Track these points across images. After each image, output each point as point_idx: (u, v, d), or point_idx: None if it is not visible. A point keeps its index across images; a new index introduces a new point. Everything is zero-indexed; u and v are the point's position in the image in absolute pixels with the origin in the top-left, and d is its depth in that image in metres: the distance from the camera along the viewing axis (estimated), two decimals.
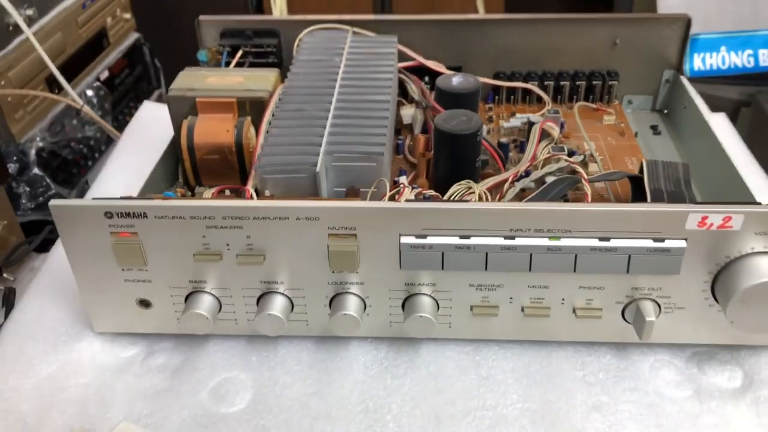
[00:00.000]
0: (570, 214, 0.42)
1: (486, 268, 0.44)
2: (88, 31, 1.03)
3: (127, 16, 1.17)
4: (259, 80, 0.58)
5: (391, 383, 0.46)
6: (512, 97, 0.69)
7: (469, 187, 0.50)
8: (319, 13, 0.67)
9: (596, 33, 0.67)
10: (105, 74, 1.09)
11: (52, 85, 0.91)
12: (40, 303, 0.52)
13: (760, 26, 1.44)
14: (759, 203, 0.42)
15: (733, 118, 1.58)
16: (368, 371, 0.47)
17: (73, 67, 0.98)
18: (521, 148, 0.62)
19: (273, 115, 0.54)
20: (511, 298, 0.46)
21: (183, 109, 0.56)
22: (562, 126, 0.64)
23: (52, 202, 0.43)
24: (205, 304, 0.46)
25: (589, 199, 0.48)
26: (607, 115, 0.66)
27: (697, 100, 0.65)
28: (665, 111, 0.70)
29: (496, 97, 0.70)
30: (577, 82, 0.68)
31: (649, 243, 0.42)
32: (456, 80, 0.60)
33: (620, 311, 0.46)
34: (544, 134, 0.60)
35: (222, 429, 0.43)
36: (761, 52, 1.45)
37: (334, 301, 0.46)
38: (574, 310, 0.46)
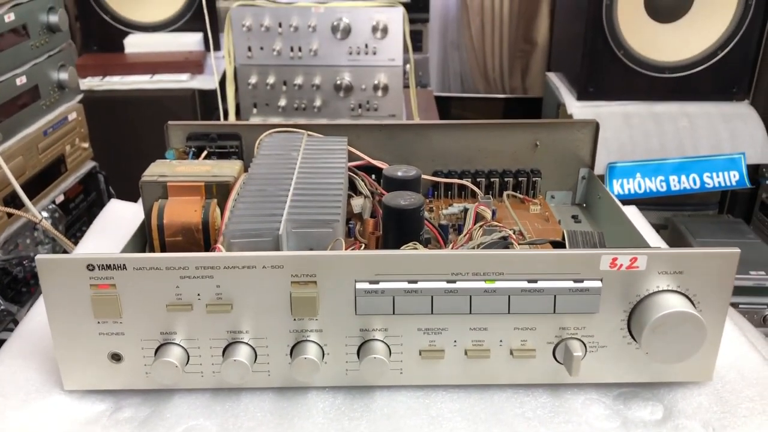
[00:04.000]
0: (502, 258, 0.48)
1: (432, 311, 0.49)
2: (47, 156, 1.10)
3: (85, 145, 1.25)
4: (224, 168, 0.65)
5: (348, 425, 0.49)
6: (449, 192, 0.78)
7: (416, 247, 0.56)
8: None
9: (519, 136, 0.77)
10: (61, 198, 1.15)
11: (10, 204, 0.96)
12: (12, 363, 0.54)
13: (667, 155, 1.61)
14: (659, 248, 0.49)
15: None
16: (327, 415, 0.50)
17: (32, 189, 1.04)
18: (459, 230, 0.69)
19: (238, 194, 0.61)
20: (455, 341, 0.51)
21: (154, 194, 0.62)
22: (493, 213, 0.72)
23: (39, 257, 0.47)
24: (174, 353, 0.49)
25: None
26: (533, 205, 0.75)
27: (611, 193, 0.74)
28: (584, 204, 0.79)
29: (435, 192, 0.78)
30: (506, 179, 0.77)
31: (570, 284, 0.49)
32: (400, 170, 0.68)
33: (551, 351, 0.51)
34: (479, 216, 0.68)
35: None
36: (671, 178, 1.60)
37: (295, 348, 0.50)
38: (511, 352, 0.51)
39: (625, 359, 0.51)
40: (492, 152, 0.78)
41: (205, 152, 0.74)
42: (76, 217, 1.20)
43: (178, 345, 0.50)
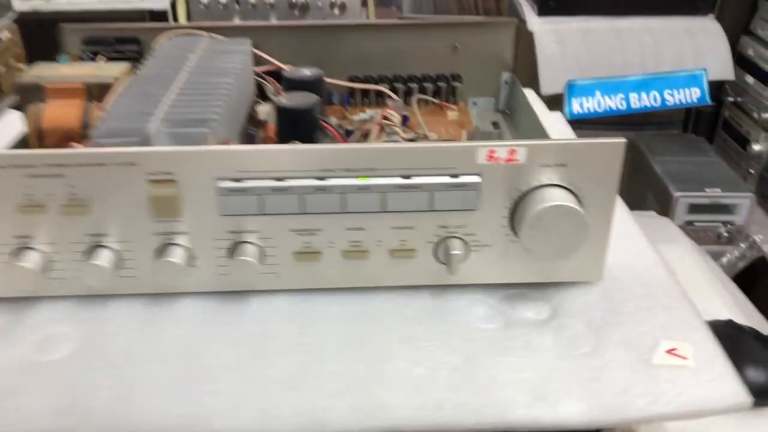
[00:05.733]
0: (373, 152, 0.45)
1: (302, 211, 0.46)
2: None
3: (22, 65, 1.19)
4: (109, 69, 0.61)
5: (218, 329, 0.47)
6: (366, 98, 0.74)
7: None
8: None
9: (438, 39, 0.73)
10: None
11: None
12: None
13: (629, 72, 1.56)
14: (543, 140, 0.46)
15: None
16: (196, 320, 0.48)
17: None
18: (367, 137, 0.66)
19: (118, 95, 0.57)
20: (330, 242, 0.48)
21: (33, 97, 0.58)
22: (406, 119, 0.69)
23: None
24: (31, 258, 0.47)
25: None
26: (450, 111, 0.72)
27: (531, 98, 0.71)
28: (507, 111, 0.76)
29: (352, 99, 0.74)
30: (425, 84, 0.74)
31: (447, 179, 0.46)
32: (301, 71, 0.64)
33: (432, 251, 0.49)
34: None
35: (46, 374, 0.43)
36: (631, 95, 1.56)
37: (161, 252, 0.48)
38: (390, 252, 0.49)
39: (511, 259, 0.49)
40: (410, 56, 0.74)
41: (103, 58, 0.70)
42: None
43: (35, 249, 0.47)
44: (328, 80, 0.73)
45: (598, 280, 0.51)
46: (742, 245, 1.31)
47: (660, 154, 1.52)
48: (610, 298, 0.49)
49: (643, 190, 1.51)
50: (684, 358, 0.45)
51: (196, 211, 0.47)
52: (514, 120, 0.74)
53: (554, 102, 1.57)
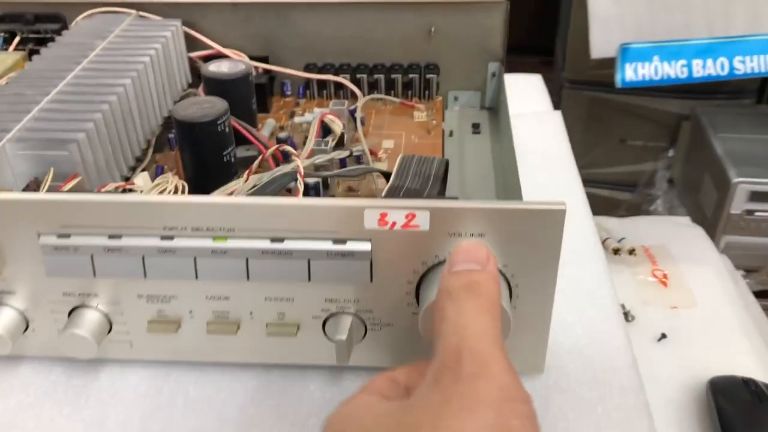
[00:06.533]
0: (228, 208, 0.35)
1: (145, 275, 0.36)
2: None
3: None
4: None
5: (49, 411, 0.38)
6: (324, 91, 0.63)
7: (168, 181, 0.43)
8: None
9: (409, 20, 0.60)
10: None
11: None
12: None
13: (693, 35, 1.37)
14: (454, 198, 0.34)
15: (674, 132, 1.51)
16: (30, 394, 0.39)
17: None
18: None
19: None
20: (191, 311, 0.38)
21: None
22: (361, 121, 0.57)
23: None
24: None
25: (300, 197, 0.41)
26: (417, 111, 0.60)
27: (511, 96, 0.58)
28: (495, 108, 0.63)
29: (308, 91, 0.63)
30: (392, 75, 0.61)
31: (328, 245, 0.35)
32: (221, 66, 0.53)
33: (321, 327, 0.38)
34: (326, 130, 0.53)
35: None
36: (694, 62, 1.37)
37: None
38: (267, 326, 0.38)
39: (419, 339, 0.38)
40: (377, 41, 0.62)
41: (17, 38, 0.61)
42: None
43: None
44: (277, 69, 0.62)
45: (537, 374, 0.39)
46: None
47: (723, 130, 1.33)
48: (548, 401, 0.38)
49: (700, 171, 1.34)
50: None
51: (20, 269, 0.37)
52: (499, 120, 0.61)
53: (605, 66, 1.40)
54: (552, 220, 0.33)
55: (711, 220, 1.23)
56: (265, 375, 0.40)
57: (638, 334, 0.66)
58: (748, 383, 0.58)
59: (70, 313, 0.39)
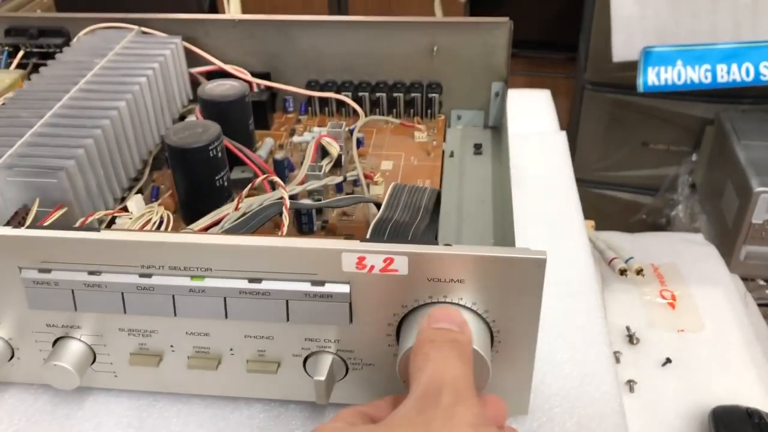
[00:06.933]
0: (206, 248, 0.34)
1: (125, 311, 0.36)
2: None
3: None
4: None
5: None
6: (326, 108, 0.62)
7: (154, 211, 0.43)
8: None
9: (412, 39, 0.59)
10: None
11: None
12: None
13: (718, 40, 1.34)
14: (434, 243, 0.34)
15: (698, 137, 1.48)
16: (16, 422, 0.40)
17: None
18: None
19: None
20: (172, 345, 0.38)
21: None
22: (361, 142, 0.57)
23: None
24: None
25: (284, 231, 0.41)
26: (417, 131, 0.59)
27: (518, 114, 0.57)
28: (498, 128, 0.62)
29: (309, 108, 0.62)
30: (395, 94, 0.61)
31: (306, 286, 0.35)
32: (217, 87, 0.53)
33: (302, 365, 0.38)
34: (324, 152, 0.53)
35: None
36: (719, 67, 1.34)
37: None
38: (248, 362, 0.38)
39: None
40: (379, 59, 0.61)
41: (21, 52, 0.61)
42: None
43: None
44: (279, 86, 0.61)
45: (522, 415, 0.38)
46: None
47: (747, 137, 1.30)
48: None
49: (722, 178, 1.31)
50: None
51: (4, 301, 0.37)
52: (502, 145, 0.60)
53: (628, 68, 1.38)
54: (532, 268, 0.32)
55: (732, 229, 1.21)
56: (247, 409, 0.40)
57: (643, 357, 0.65)
58: (752, 415, 0.56)
59: (54, 343, 0.39)
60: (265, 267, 0.34)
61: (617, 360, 0.64)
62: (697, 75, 1.35)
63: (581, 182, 0.59)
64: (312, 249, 0.34)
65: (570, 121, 1.46)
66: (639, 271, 0.68)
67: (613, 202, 1.55)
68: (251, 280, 0.35)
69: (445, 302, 0.34)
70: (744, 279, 0.81)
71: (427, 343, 0.32)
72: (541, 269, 0.32)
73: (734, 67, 1.34)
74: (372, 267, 0.33)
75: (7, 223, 0.40)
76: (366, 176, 0.51)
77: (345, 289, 0.34)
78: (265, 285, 0.35)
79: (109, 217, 0.45)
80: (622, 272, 0.68)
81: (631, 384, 0.62)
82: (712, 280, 0.72)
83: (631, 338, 0.66)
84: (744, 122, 1.36)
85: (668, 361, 0.64)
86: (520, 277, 0.33)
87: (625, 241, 0.80)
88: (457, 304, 0.34)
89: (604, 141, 1.49)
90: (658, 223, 1.53)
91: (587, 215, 0.56)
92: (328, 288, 0.34)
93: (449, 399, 0.29)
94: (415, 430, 0.27)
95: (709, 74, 1.35)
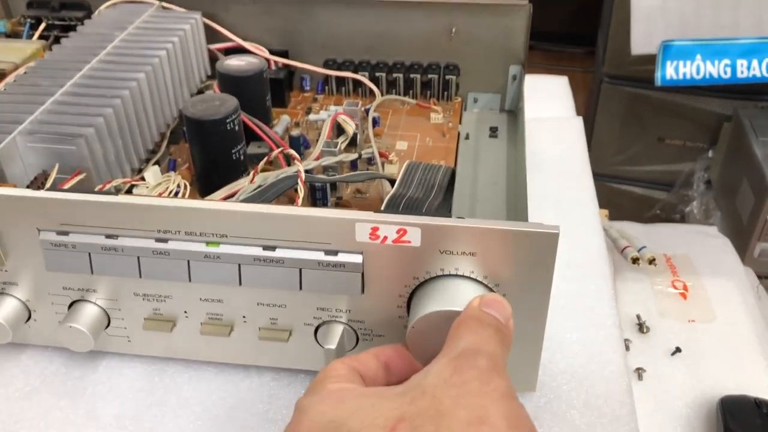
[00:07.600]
0: (223, 214, 0.35)
1: (140, 275, 0.37)
2: None
3: None
4: (13, 52, 0.52)
5: (48, 401, 0.39)
6: (343, 88, 0.62)
7: (171, 180, 0.43)
8: None
9: (430, 20, 0.59)
10: None
11: None
12: None
13: (740, 34, 1.32)
14: (447, 216, 0.34)
15: (715, 133, 1.47)
16: (30, 383, 0.40)
17: None
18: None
19: (5, 89, 0.49)
20: (185, 311, 0.39)
21: None
22: (376, 121, 0.57)
23: None
24: None
25: (300, 202, 0.41)
26: (433, 113, 0.59)
27: (536, 99, 0.57)
28: (514, 111, 0.62)
29: (327, 87, 0.63)
30: (412, 75, 0.61)
31: (320, 255, 0.35)
32: (235, 62, 0.53)
33: (313, 334, 0.38)
34: (339, 130, 0.53)
35: None
36: (739, 62, 1.32)
37: None
38: (260, 330, 0.39)
39: None
40: (397, 39, 0.61)
41: (43, 24, 0.62)
42: None
43: None
44: (297, 64, 0.62)
45: (529, 392, 0.39)
46: None
47: (765, 134, 1.29)
48: (538, 422, 0.37)
49: (738, 175, 1.30)
50: None
51: (22, 263, 0.38)
52: (518, 124, 0.60)
53: (646, 62, 1.37)
54: (545, 242, 0.32)
55: (747, 226, 1.20)
56: (258, 377, 0.40)
57: (652, 346, 0.65)
58: (760, 405, 0.56)
59: (70, 306, 0.40)
60: (279, 235, 0.35)
61: (627, 348, 0.64)
62: (716, 70, 1.33)
63: (596, 176, 0.59)
64: (326, 218, 0.34)
65: (587, 115, 1.45)
66: (651, 261, 0.68)
67: (628, 196, 1.54)
68: (266, 248, 0.35)
69: (454, 275, 0.34)
70: (759, 277, 0.81)
71: (474, 319, 0.31)
72: (553, 244, 0.33)
73: (755, 62, 1.32)
74: (385, 238, 0.34)
75: (27, 187, 0.41)
76: (381, 155, 0.52)
77: (358, 259, 0.35)
78: (279, 253, 0.35)
79: (127, 185, 0.45)
80: (635, 261, 0.68)
81: (639, 372, 0.62)
82: (725, 272, 0.72)
83: (642, 327, 0.66)
84: (763, 119, 1.35)
85: (678, 350, 0.64)
86: (532, 251, 0.33)
87: (638, 231, 0.79)
88: (468, 277, 0.34)
89: (620, 135, 1.48)
90: (672, 218, 1.52)
91: (601, 207, 0.56)
92: (341, 257, 0.35)
93: (486, 363, 0.28)
94: (450, 391, 0.27)
95: (728, 69, 1.33)
